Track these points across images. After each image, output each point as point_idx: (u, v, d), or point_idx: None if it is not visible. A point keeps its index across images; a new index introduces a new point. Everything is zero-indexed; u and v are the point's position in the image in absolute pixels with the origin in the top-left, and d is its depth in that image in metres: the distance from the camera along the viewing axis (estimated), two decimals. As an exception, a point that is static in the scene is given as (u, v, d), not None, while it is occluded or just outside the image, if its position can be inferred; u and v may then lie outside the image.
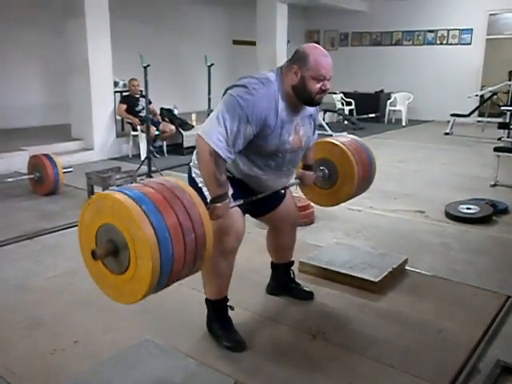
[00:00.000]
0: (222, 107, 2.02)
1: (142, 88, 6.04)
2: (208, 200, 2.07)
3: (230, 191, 2.11)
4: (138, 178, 5.06)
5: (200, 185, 2.19)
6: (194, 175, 2.25)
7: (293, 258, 2.78)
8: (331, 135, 9.04)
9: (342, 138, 2.79)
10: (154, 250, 1.57)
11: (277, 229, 2.62)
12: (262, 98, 2.03)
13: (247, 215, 2.37)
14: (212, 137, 1.97)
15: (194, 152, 2.25)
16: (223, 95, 2.12)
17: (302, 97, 2.11)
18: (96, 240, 1.72)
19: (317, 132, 2.52)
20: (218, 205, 2.00)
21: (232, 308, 2.34)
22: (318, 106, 2.30)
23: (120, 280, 1.70)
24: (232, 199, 2.10)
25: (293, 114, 2.17)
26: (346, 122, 10.69)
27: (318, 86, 2.08)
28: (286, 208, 2.53)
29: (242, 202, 2.17)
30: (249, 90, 2.02)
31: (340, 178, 2.69)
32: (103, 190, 4.57)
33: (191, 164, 2.29)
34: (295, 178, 2.58)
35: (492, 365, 2.18)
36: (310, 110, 2.28)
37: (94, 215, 1.71)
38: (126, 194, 1.64)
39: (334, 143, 2.68)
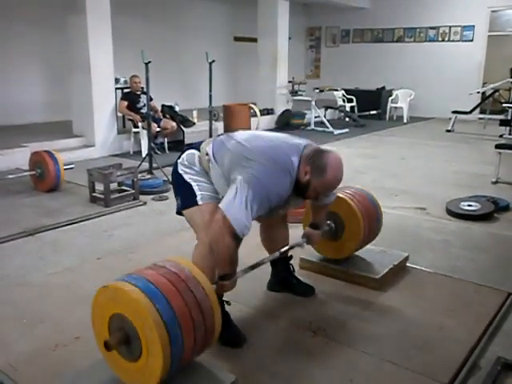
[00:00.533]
0: (250, 194, 2.05)
1: (143, 85, 6.04)
2: (198, 193, 2.26)
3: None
4: (140, 175, 5.06)
5: (188, 180, 2.30)
6: (180, 172, 2.35)
7: (291, 253, 2.78)
8: (332, 132, 9.09)
9: (348, 190, 2.96)
10: (165, 348, 1.67)
11: (267, 223, 2.66)
12: (282, 186, 2.17)
13: None
14: (241, 223, 2.05)
15: (186, 152, 2.38)
16: (242, 161, 2.15)
17: (297, 189, 2.22)
18: (109, 326, 1.83)
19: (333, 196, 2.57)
20: (226, 283, 2.14)
21: (228, 303, 2.33)
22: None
23: (131, 367, 1.81)
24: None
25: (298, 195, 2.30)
26: (347, 119, 10.68)
27: (317, 194, 2.26)
28: None
29: (248, 270, 2.33)
30: (274, 176, 2.12)
31: (346, 233, 2.90)
32: (105, 187, 4.57)
33: (179, 161, 2.38)
34: (302, 237, 2.69)
35: (493, 362, 2.18)
36: None
37: (110, 302, 1.81)
38: (141, 290, 1.72)
39: (341, 197, 2.82)
